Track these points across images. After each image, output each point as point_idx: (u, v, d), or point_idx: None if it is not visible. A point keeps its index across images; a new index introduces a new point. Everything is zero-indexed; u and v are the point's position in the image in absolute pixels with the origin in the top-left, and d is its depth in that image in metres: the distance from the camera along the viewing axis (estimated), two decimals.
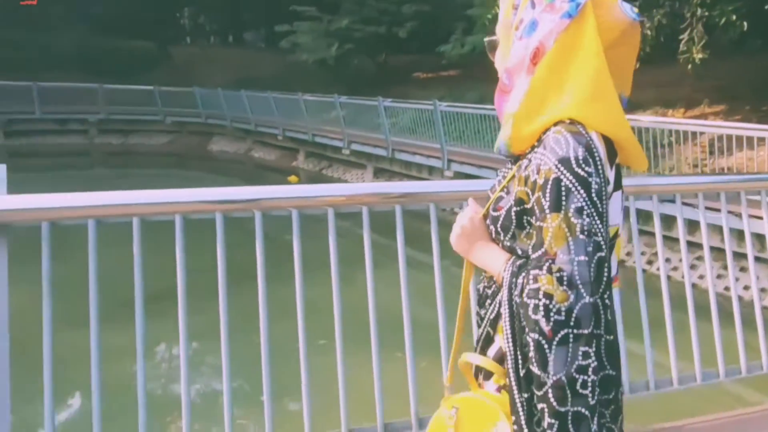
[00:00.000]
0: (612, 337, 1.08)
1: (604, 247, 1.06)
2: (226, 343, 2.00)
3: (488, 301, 1.24)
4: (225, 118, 20.08)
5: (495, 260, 1.18)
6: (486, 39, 1.32)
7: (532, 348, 1.05)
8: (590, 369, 1.02)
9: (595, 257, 1.04)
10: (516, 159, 1.22)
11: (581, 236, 1.04)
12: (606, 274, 1.06)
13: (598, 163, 1.09)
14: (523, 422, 1.08)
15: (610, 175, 1.16)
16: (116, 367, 3.66)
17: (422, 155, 12.75)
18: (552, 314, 1.02)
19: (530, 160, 1.15)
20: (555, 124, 1.13)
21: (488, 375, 1.21)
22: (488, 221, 1.23)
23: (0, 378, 1.77)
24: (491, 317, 1.21)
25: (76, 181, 9.35)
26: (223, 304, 2.00)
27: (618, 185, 1.20)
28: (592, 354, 1.02)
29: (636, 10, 1.20)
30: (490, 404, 1.16)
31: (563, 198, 1.06)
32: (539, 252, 1.09)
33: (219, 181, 15.68)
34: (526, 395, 1.08)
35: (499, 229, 1.19)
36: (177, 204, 2.01)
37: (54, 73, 21.13)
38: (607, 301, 1.06)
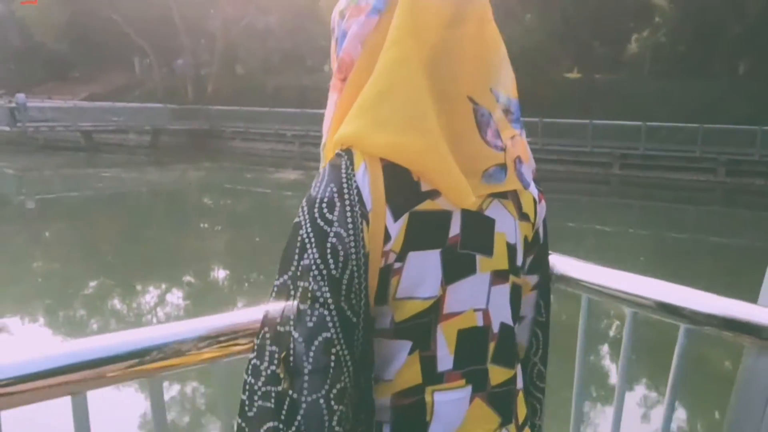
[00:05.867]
0: None
1: (332, 324, 0.79)
2: None
3: None
4: None
5: None
6: None
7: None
8: None
9: (318, 338, 0.79)
10: None
11: (302, 305, 0.80)
12: (333, 362, 0.79)
13: (349, 207, 0.81)
14: None
15: (397, 224, 0.83)
16: None
17: None
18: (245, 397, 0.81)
19: None
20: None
21: None
22: None
23: None
24: None
25: None
26: None
27: (435, 242, 0.85)
28: None
29: None
30: None
31: (297, 250, 0.82)
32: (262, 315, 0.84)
33: None
34: None
35: None
36: None
37: None
38: (333, 403, 0.78)
